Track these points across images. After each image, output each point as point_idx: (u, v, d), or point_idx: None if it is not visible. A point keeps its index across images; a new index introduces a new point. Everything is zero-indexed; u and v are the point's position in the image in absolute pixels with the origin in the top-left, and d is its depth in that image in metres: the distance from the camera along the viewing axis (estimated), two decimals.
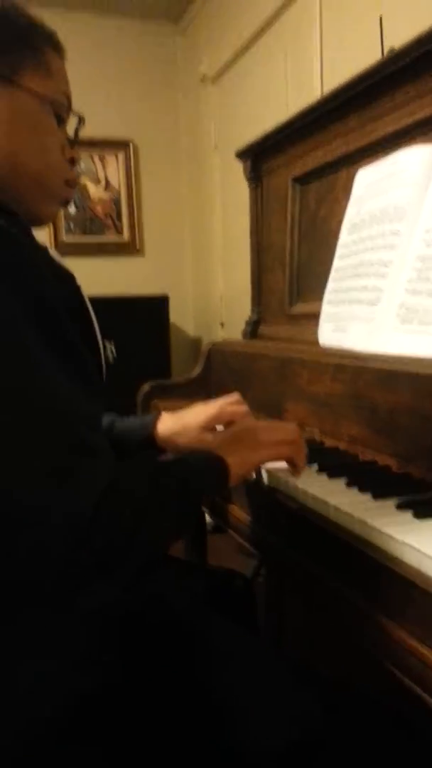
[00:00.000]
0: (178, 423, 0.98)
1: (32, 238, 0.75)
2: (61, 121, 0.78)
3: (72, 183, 0.82)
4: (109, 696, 0.66)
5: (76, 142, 0.82)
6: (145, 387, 1.56)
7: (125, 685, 0.68)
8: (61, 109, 0.77)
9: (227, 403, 0.99)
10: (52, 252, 0.81)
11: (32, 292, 0.63)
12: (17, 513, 0.55)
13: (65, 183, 0.80)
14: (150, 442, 0.98)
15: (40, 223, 0.80)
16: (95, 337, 0.81)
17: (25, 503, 0.56)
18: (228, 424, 0.98)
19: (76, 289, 0.81)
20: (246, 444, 0.79)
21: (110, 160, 3.29)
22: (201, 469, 0.73)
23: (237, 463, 0.75)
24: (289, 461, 0.83)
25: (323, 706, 0.70)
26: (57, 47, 0.78)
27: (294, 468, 0.83)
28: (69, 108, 0.79)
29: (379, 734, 0.68)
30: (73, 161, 0.81)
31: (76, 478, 0.57)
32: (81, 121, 0.81)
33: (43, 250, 0.77)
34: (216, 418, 0.97)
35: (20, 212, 0.74)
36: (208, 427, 0.97)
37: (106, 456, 0.70)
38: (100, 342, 0.82)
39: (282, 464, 0.85)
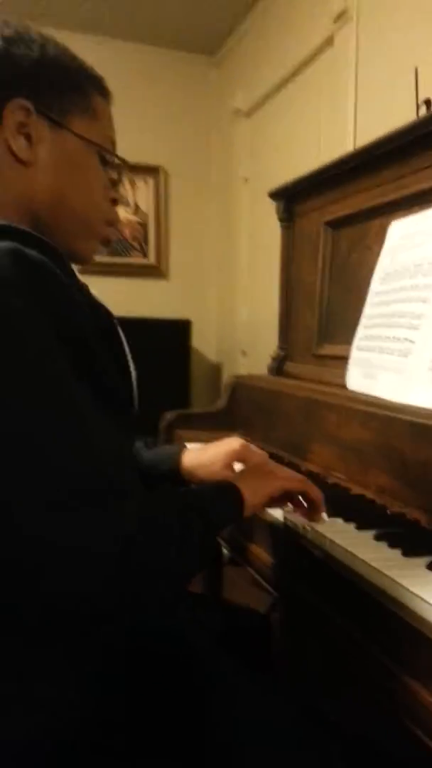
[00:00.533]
0: (202, 457, 0.99)
1: (73, 275, 0.77)
2: (105, 162, 0.81)
3: (112, 222, 0.85)
4: (112, 727, 0.67)
5: (118, 183, 0.85)
6: (169, 416, 1.58)
7: (130, 716, 0.68)
8: (105, 152, 0.80)
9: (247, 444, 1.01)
10: (92, 291, 0.84)
11: (70, 326, 0.64)
12: (44, 556, 0.56)
13: (106, 222, 0.83)
14: (174, 474, 1.00)
15: (81, 261, 0.82)
16: (129, 372, 0.83)
17: (51, 544, 0.56)
18: (246, 461, 1.00)
19: (113, 326, 0.83)
20: (258, 475, 0.83)
21: (140, 184, 3.36)
22: (217, 499, 0.75)
23: (251, 492, 0.78)
24: (303, 497, 0.86)
25: (337, 757, 0.70)
26: (104, 93, 0.81)
27: (311, 512, 0.85)
28: (113, 151, 0.83)
29: None
30: (115, 202, 0.85)
31: (104, 519, 0.58)
32: (124, 164, 0.85)
33: (83, 286, 0.80)
34: (238, 454, 0.98)
35: (62, 250, 0.75)
36: (229, 462, 0.98)
37: (136, 491, 0.71)
38: (133, 371, 0.84)
39: (302, 519, 0.87)
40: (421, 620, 0.61)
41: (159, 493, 0.93)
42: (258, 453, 1.00)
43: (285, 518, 0.91)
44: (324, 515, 0.87)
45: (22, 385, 0.58)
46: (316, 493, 0.86)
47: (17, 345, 0.58)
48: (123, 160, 0.84)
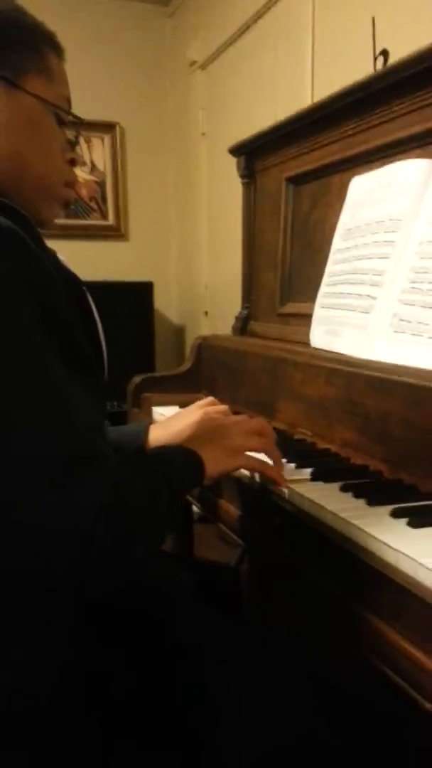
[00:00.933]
0: (168, 432, 0.99)
1: (42, 242, 0.76)
2: (62, 123, 0.79)
3: (72, 184, 0.83)
4: (93, 683, 0.69)
5: (76, 143, 0.83)
6: (136, 380, 1.58)
7: (112, 670, 0.70)
8: (61, 112, 0.78)
9: (206, 404, 1.01)
10: (60, 256, 0.82)
11: (44, 298, 0.64)
12: (23, 519, 0.57)
13: (66, 184, 0.82)
14: (141, 451, 1.00)
15: (42, 225, 0.81)
16: (99, 340, 0.83)
17: (30, 508, 0.57)
18: None
19: (83, 293, 0.82)
20: (220, 445, 0.81)
21: (96, 142, 3.26)
22: (182, 466, 0.75)
23: (212, 464, 0.77)
24: (263, 453, 0.86)
25: (312, 702, 0.73)
26: (57, 49, 0.79)
27: (270, 471, 0.85)
28: (69, 110, 0.81)
29: (369, 731, 0.72)
30: (73, 162, 0.83)
31: (80, 483, 0.59)
32: (80, 123, 0.83)
33: (51, 253, 0.79)
34: (199, 426, 0.95)
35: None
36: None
37: (109, 460, 0.72)
38: (104, 345, 0.84)
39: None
40: (386, 564, 0.64)
41: (128, 460, 0.94)
42: (221, 411, 0.99)
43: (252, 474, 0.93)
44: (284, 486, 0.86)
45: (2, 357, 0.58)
46: (273, 472, 0.85)
47: None
48: (80, 119, 0.82)
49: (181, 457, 0.77)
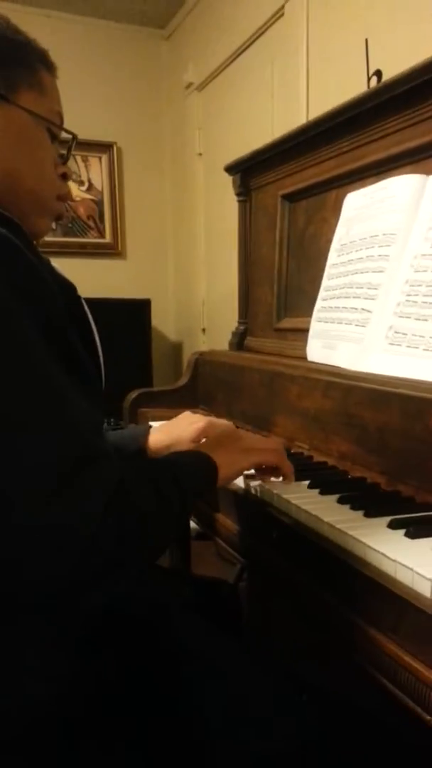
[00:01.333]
0: (169, 436, 1.00)
1: (36, 250, 0.77)
2: (54, 137, 0.81)
3: (64, 198, 0.84)
4: (93, 701, 0.68)
5: (68, 158, 0.84)
6: (132, 395, 1.58)
7: (110, 683, 0.70)
8: (53, 127, 0.80)
9: (211, 420, 1.02)
10: (54, 264, 0.83)
11: (41, 303, 0.65)
12: (30, 519, 0.56)
13: (58, 198, 0.83)
14: (141, 454, 1.00)
15: (34, 238, 0.82)
16: (96, 346, 0.83)
17: (37, 509, 0.57)
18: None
19: (78, 300, 0.83)
20: (232, 448, 0.83)
21: (93, 161, 3.29)
22: (192, 469, 0.76)
23: (226, 465, 0.79)
24: (275, 467, 0.88)
25: (310, 712, 0.73)
26: (49, 66, 0.80)
27: (283, 476, 0.87)
28: (61, 125, 0.82)
29: (368, 742, 0.71)
30: (65, 177, 0.84)
31: (84, 483, 0.59)
32: (74, 138, 0.84)
33: (46, 262, 0.80)
34: (204, 432, 0.99)
35: None
36: (198, 440, 0.99)
37: (112, 460, 0.72)
38: (100, 351, 0.84)
39: (258, 481, 0.90)
40: (384, 574, 0.64)
41: (134, 462, 0.94)
42: (223, 424, 1.01)
43: (254, 487, 0.93)
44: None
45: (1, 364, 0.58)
46: (287, 464, 0.88)
47: None
48: (72, 134, 0.83)
49: (191, 460, 0.77)
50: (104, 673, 0.70)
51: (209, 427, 0.99)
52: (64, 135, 0.83)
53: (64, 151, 0.84)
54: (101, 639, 0.72)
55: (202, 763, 0.68)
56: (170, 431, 1.01)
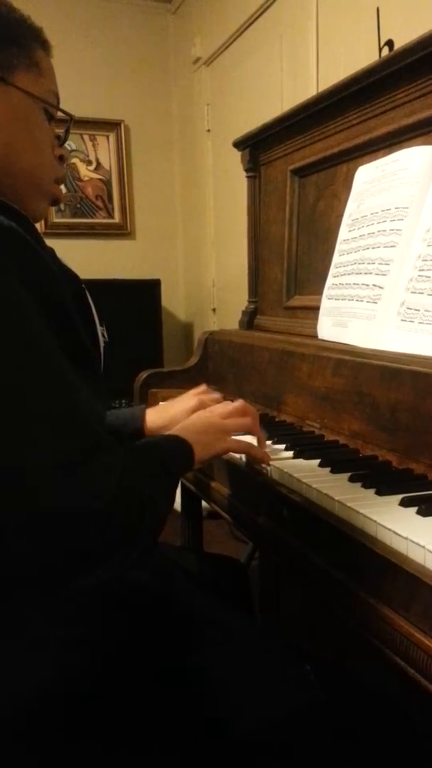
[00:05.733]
0: (164, 416, 1.03)
1: (42, 240, 0.76)
2: (51, 118, 0.79)
3: (61, 180, 0.83)
4: (104, 669, 0.69)
5: (65, 139, 0.83)
6: (142, 375, 1.58)
7: (121, 659, 0.71)
8: (50, 107, 0.78)
9: (200, 392, 1.06)
10: (58, 255, 0.83)
11: (47, 293, 0.65)
12: (44, 504, 0.57)
13: (55, 181, 0.82)
14: (138, 434, 1.03)
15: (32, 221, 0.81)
16: (97, 337, 0.83)
17: (51, 494, 0.58)
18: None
19: (82, 290, 0.83)
20: (209, 432, 0.86)
21: (101, 140, 3.26)
22: (173, 454, 0.79)
23: (200, 448, 0.82)
24: (249, 433, 0.92)
25: (318, 686, 0.73)
26: (45, 45, 0.78)
27: (254, 451, 0.91)
28: (57, 106, 0.80)
29: (376, 720, 0.72)
30: (62, 159, 0.83)
31: (97, 467, 0.61)
32: (71, 119, 0.82)
33: (50, 250, 0.79)
34: (196, 410, 1.01)
35: None
36: None
37: (117, 447, 0.73)
38: (101, 340, 0.85)
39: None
40: (396, 552, 0.63)
41: (127, 447, 0.96)
42: (215, 399, 1.04)
43: (264, 467, 0.93)
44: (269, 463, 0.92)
45: (7, 350, 0.58)
46: (257, 452, 0.91)
47: None
48: (69, 115, 0.81)
49: (172, 445, 0.80)
50: (112, 643, 0.71)
51: (200, 406, 1.01)
52: (61, 116, 0.82)
53: (61, 132, 0.82)
54: (109, 609, 0.74)
55: (207, 728, 0.69)
56: (166, 410, 1.04)
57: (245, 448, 0.90)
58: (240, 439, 0.90)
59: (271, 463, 0.91)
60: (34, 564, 0.59)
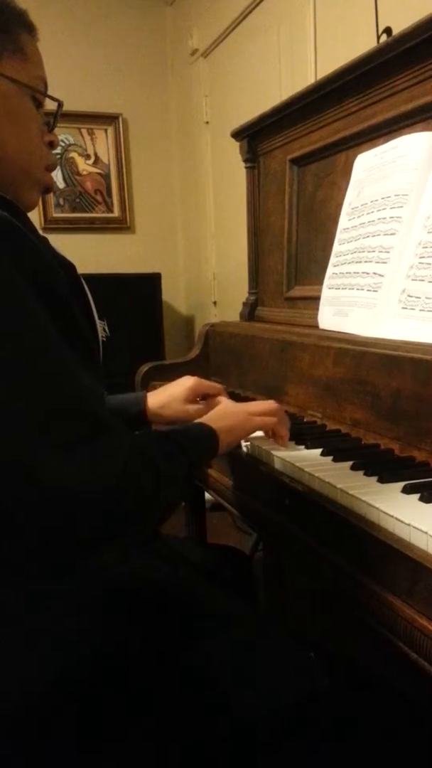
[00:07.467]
0: (163, 397, 1.06)
1: (35, 230, 0.76)
2: (39, 105, 0.78)
3: (51, 168, 0.83)
4: (107, 658, 0.70)
5: (54, 125, 0.82)
6: (144, 368, 1.57)
7: (124, 648, 0.71)
8: (38, 94, 0.77)
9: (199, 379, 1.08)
10: (52, 243, 0.82)
11: (44, 281, 0.65)
12: (48, 482, 0.58)
13: (46, 168, 0.81)
14: (141, 417, 1.06)
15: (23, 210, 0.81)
16: (95, 324, 0.83)
17: (56, 473, 0.58)
18: (204, 396, 1.06)
19: (77, 277, 0.82)
20: (234, 417, 0.88)
21: (99, 134, 3.24)
22: (195, 439, 0.80)
23: (226, 432, 0.83)
24: (273, 431, 0.93)
25: (324, 673, 0.73)
26: (29, 28, 0.77)
27: (277, 438, 0.93)
28: (45, 91, 0.79)
29: (380, 708, 0.72)
30: (52, 145, 0.82)
31: (104, 448, 0.62)
32: (60, 105, 0.81)
33: (43, 239, 0.79)
34: (193, 390, 1.05)
35: None
36: (189, 399, 1.05)
37: (121, 428, 0.73)
38: (99, 328, 0.85)
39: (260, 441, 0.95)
40: (398, 539, 0.63)
41: (145, 433, 0.98)
42: (213, 385, 1.07)
43: (272, 456, 0.93)
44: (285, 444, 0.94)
45: (5, 331, 0.59)
46: (285, 427, 0.93)
47: None
48: (57, 100, 0.80)
49: (194, 430, 0.81)
50: (115, 632, 0.71)
51: (198, 385, 1.05)
52: (50, 103, 0.81)
53: (50, 118, 0.81)
54: (112, 599, 0.74)
55: (210, 716, 0.69)
56: (164, 391, 1.07)
57: (271, 423, 0.91)
58: (265, 417, 0.91)
59: (273, 452, 0.91)
60: (38, 544, 0.60)
